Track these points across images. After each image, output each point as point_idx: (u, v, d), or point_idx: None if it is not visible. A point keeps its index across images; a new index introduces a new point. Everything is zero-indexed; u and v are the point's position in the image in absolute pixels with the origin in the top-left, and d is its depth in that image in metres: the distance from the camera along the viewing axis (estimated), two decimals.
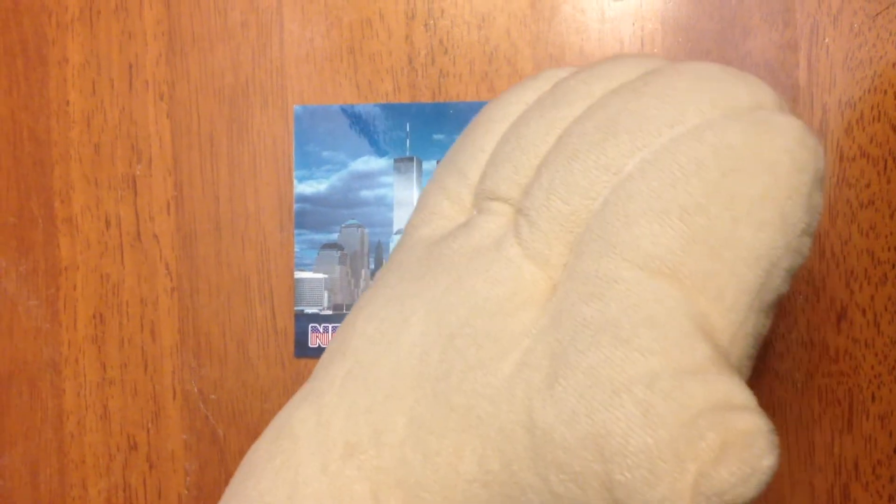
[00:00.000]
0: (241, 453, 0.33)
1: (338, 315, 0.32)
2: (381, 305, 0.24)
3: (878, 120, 0.31)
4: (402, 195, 0.32)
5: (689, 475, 0.18)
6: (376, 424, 0.22)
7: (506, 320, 0.21)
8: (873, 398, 0.31)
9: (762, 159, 0.20)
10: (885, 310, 0.31)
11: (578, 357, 0.20)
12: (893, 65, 0.31)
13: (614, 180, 0.21)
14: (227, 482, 0.33)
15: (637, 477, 0.19)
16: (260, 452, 0.23)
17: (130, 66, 0.33)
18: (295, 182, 0.33)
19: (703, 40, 0.31)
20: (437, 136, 0.32)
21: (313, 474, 0.22)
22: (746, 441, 0.18)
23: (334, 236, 0.33)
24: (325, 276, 0.33)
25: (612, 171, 0.21)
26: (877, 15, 0.31)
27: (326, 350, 0.25)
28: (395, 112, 0.32)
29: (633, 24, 0.32)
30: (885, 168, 0.31)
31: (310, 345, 0.32)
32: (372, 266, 0.33)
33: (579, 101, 0.23)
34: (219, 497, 0.32)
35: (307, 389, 0.24)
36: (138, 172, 0.33)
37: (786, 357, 0.31)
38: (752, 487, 0.18)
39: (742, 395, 0.19)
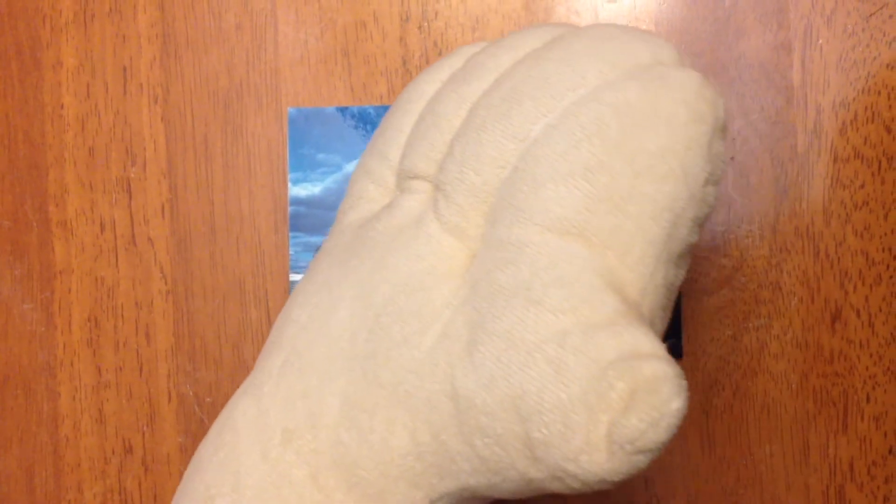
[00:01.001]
0: None
1: None
2: (313, 292, 0.24)
3: (872, 121, 0.31)
4: None
5: (602, 426, 0.19)
6: (312, 408, 0.22)
7: (427, 294, 0.22)
8: (868, 399, 0.31)
9: (660, 113, 0.21)
10: (880, 310, 0.31)
11: (494, 323, 0.20)
12: (887, 66, 0.31)
13: (522, 147, 0.22)
14: None
15: (553, 432, 0.19)
16: (206, 447, 0.24)
17: (125, 69, 0.33)
18: (289, 184, 0.33)
19: (697, 41, 0.31)
20: None
21: (254, 463, 0.23)
22: (653, 387, 0.19)
23: None
24: None
25: (519, 138, 0.22)
26: (870, 16, 0.31)
27: (266, 343, 0.25)
28: None
29: (627, 24, 0.32)
30: (880, 169, 0.31)
31: None
32: None
33: (488, 73, 0.23)
34: None
35: (247, 383, 0.24)
36: (133, 175, 0.33)
37: (780, 358, 0.31)
38: (662, 431, 0.19)
39: (649, 343, 0.20)
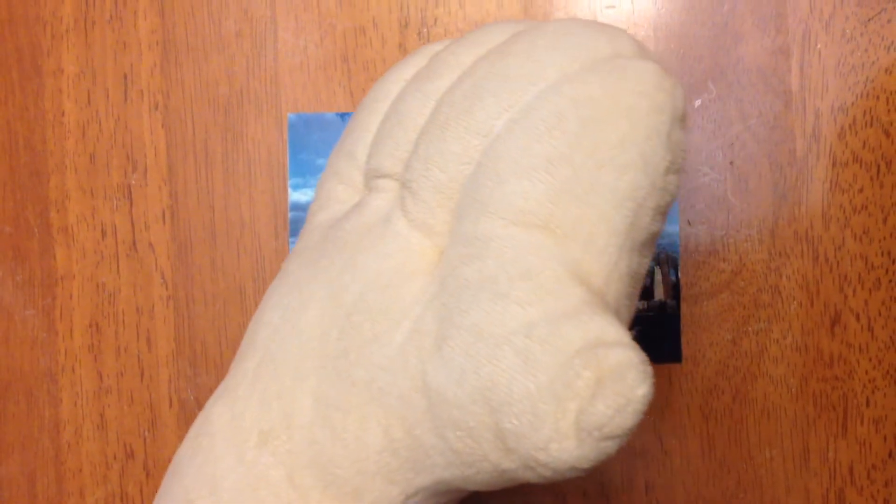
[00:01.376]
0: None
1: None
2: (284, 294, 0.24)
3: (871, 125, 0.31)
4: None
5: (570, 414, 0.19)
6: (286, 409, 0.23)
7: (396, 292, 0.22)
8: (868, 403, 0.31)
9: (619, 105, 0.21)
10: (879, 314, 0.31)
11: (462, 317, 0.21)
12: (885, 70, 0.31)
13: (485, 143, 0.22)
14: None
15: (523, 422, 0.20)
16: (183, 452, 0.24)
17: (125, 76, 0.33)
18: (289, 190, 0.33)
19: (696, 46, 0.31)
20: None
21: (231, 466, 0.23)
22: (619, 374, 0.19)
23: None
24: None
25: (482, 134, 0.22)
26: (868, 20, 0.31)
27: (239, 347, 0.25)
28: None
29: (626, 30, 0.32)
30: (878, 173, 0.31)
31: None
32: None
33: (451, 70, 0.24)
34: None
35: (222, 386, 0.25)
36: (133, 182, 0.33)
37: (780, 362, 0.31)
38: (629, 417, 0.19)
39: (615, 331, 0.20)
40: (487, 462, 0.21)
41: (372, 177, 0.24)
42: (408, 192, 0.23)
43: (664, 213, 0.23)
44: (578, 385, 0.19)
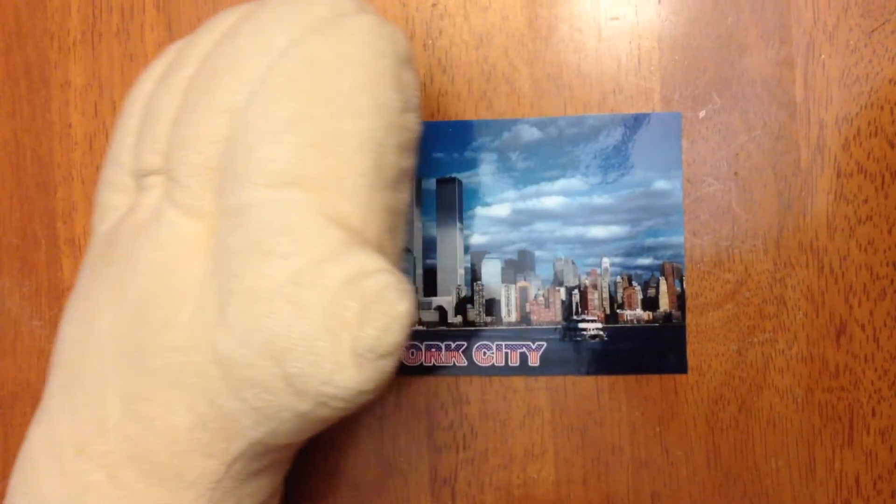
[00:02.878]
0: None
1: None
2: (76, 307, 0.26)
3: (875, 135, 0.31)
4: None
5: (345, 344, 0.21)
6: (96, 415, 0.24)
7: (175, 277, 0.23)
8: (874, 413, 0.31)
9: (345, 57, 0.23)
10: (885, 325, 0.31)
11: (236, 282, 0.22)
12: (890, 81, 0.31)
13: (231, 119, 0.23)
14: None
15: (306, 363, 0.21)
16: (13, 482, 0.25)
17: None
18: None
19: (700, 58, 0.32)
20: (436, 155, 0.32)
21: (54, 482, 0.24)
22: (380, 297, 0.21)
23: None
24: None
25: (227, 111, 0.23)
26: (872, 31, 0.31)
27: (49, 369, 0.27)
28: None
29: (630, 42, 0.32)
30: (883, 183, 0.31)
31: None
32: None
33: (193, 60, 0.25)
34: None
35: (38, 410, 0.26)
36: None
37: (786, 373, 0.31)
38: (396, 333, 0.21)
39: (373, 262, 0.22)
40: (286, 410, 0.22)
41: (140, 177, 0.25)
42: (172, 183, 0.24)
43: (410, 149, 0.25)
44: (347, 316, 0.21)
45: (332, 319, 0.21)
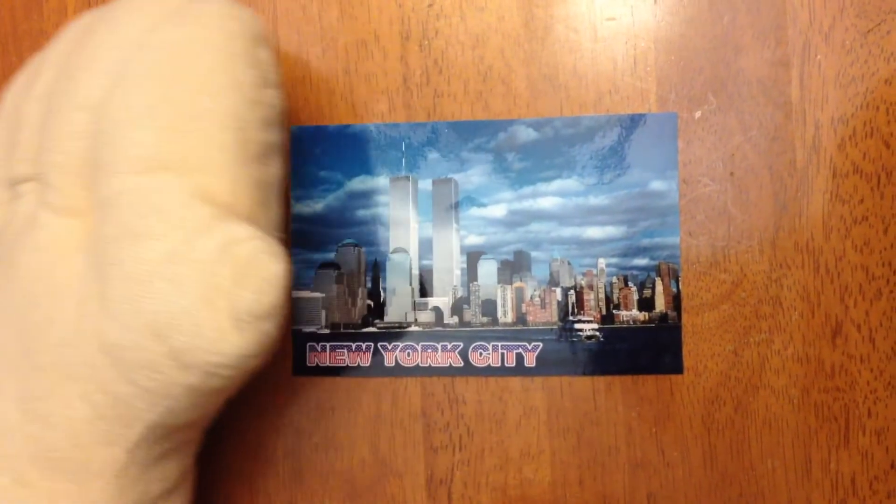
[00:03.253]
0: (240, 472, 0.33)
1: (335, 334, 0.33)
2: None
3: (871, 136, 0.31)
4: (399, 214, 0.33)
5: (223, 311, 0.22)
6: None
7: (55, 276, 0.24)
8: (869, 414, 0.31)
9: (199, 41, 0.24)
10: (880, 325, 0.31)
11: (114, 269, 0.22)
12: (885, 81, 0.31)
13: (92, 115, 0.24)
14: (224, 502, 0.33)
15: (189, 336, 0.22)
16: None
17: None
18: (292, 202, 0.33)
19: (696, 58, 0.32)
20: (432, 156, 0.32)
21: None
22: (253, 262, 0.22)
23: (331, 255, 0.33)
24: (323, 295, 0.33)
25: (86, 108, 0.24)
26: (868, 32, 0.31)
27: None
28: (390, 132, 0.33)
29: (626, 42, 0.32)
30: (879, 184, 0.31)
31: (307, 363, 0.33)
32: (369, 285, 0.33)
33: (52, 65, 0.26)
34: None
35: None
36: None
37: (782, 373, 0.31)
38: (273, 293, 0.22)
39: (244, 231, 0.23)
40: (177, 386, 0.23)
41: (12, 186, 0.26)
42: (43, 186, 0.24)
43: (274, 124, 0.25)
44: (222, 284, 0.22)
45: (208, 290, 0.22)
